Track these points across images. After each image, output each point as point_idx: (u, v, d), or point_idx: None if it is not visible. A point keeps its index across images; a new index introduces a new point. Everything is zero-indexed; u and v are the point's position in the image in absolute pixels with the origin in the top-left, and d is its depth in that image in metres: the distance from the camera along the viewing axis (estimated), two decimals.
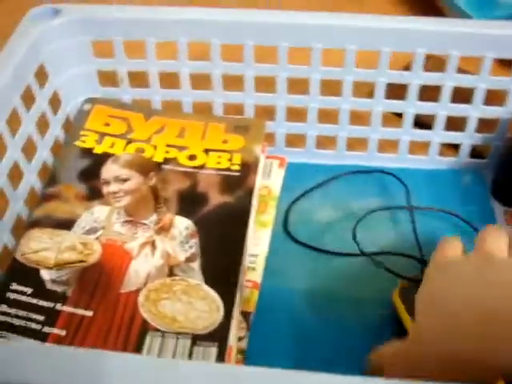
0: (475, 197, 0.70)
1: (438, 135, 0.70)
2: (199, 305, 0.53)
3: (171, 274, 0.56)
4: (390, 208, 0.68)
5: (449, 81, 0.65)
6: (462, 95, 0.67)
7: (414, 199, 0.68)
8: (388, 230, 0.66)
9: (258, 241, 0.63)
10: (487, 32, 0.63)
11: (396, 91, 0.68)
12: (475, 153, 0.72)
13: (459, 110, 0.68)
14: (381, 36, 0.64)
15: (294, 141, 0.73)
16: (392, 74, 0.66)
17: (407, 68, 0.67)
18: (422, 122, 0.72)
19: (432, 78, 0.66)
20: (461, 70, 0.66)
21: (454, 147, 0.72)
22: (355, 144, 0.72)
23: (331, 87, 0.68)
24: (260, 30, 0.65)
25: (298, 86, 0.68)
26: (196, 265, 0.57)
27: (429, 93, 0.67)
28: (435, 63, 0.68)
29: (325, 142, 0.73)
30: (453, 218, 0.66)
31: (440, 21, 0.65)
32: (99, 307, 0.54)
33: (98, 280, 0.56)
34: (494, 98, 0.67)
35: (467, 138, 0.70)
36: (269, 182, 0.68)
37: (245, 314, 0.57)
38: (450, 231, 0.65)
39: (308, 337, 0.58)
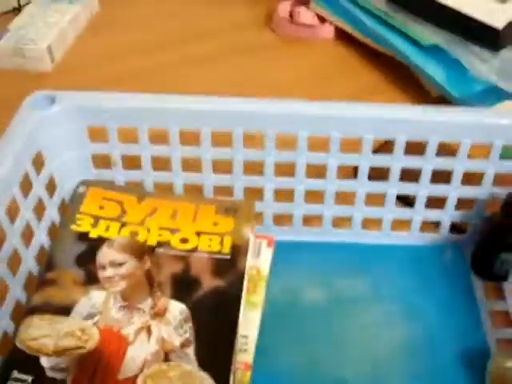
0: (456, 272, 0.73)
1: (419, 213, 0.73)
2: None
3: (167, 359, 0.58)
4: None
5: (428, 164, 0.69)
6: (442, 174, 0.71)
7: (397, 275, 0.72)
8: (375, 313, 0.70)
9: (249, 322, 0.65)
10: (462, 120, 0.67)
11: (379, 171, 0.72)
12: (456, 228, 0.76)
13: (439, 190, 0.71)
14: (363, 124, 0.67)
15: (282, 219, 0.76)
16: (374, 159, 0.70)
17: (385, 145, 0.71)
18: (404, 197, 0.76)
19: (412, 163, 0.69)
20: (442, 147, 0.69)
21: (435, 223, 0.76)
22: (340, 221, 0.76)
23: (316, 170, 0.71)
24: (249, 118, 0.68)
25: (285, 168, 0.72)
26: (190, 350, 0.59)
27: (409, 172, 0.71)
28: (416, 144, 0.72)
29: (311, 220, 0.76)
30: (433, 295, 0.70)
31: (419, 109, 0.69)
32: None
33: (97, 366, 0.58)
34: (471, 177, 0.71)
35: (447, 216, 0.73)
36: (258, 261, 0.71)
37: None
38: (431, 308, 0.69)
39: None
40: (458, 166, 0.69)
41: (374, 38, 1.05)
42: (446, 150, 0.70)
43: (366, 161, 0.69)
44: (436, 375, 0.63)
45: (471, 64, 0.93)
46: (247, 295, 0.67)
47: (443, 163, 0.69)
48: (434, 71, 0.94)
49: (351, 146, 0.69)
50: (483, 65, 0.93)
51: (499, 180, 0.71)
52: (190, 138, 0.71)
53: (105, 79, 1.00)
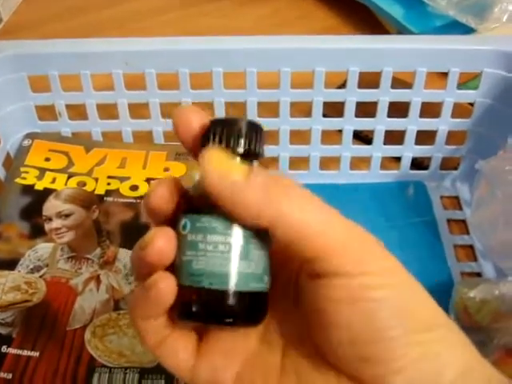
0: (419, 208, 0.71)
1: (378, 150, 0.71)
2: None
3: (117, 307, 0.56)
4: None
5: (384, 96, 0.66)
6: (400, 107, 0.68)
7: (359, 214, 0.69)
8: None
9: None
10: (416, 47, 0.64)
11: (336, 107, 0.69)
12: (418, 164, 0.73)
13: (396, 124, 0.69)
14: (314, 57, 0.64)
15: None
16: (328, 93, 0.67)
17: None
18: (364, 136, 0.74)
19: (367, 95, 0.67)
20: (398, 81, 0.67)
21: (396, 159, 0.73)
22: (298, 162, 0.73)
23: (269, 108, 0.69)
24: (194, 56, 0.65)
25: (235, 107, 0.69)
26: None
27: (368, 107, 0.68)
28: (371, 77, 0.69)
29: (267, 162, 0.73)
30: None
31: (369, 38, 0.67)
32: (46, 347, 0.53)
33: (44, 319, 0.55)
34: (431, 109, 0.68)
35: (407, 151, 0.71)
36: None
37: None
38: (396, 245, 0.66)
39: None
40: (415, 96, 0.66)
41: None
42: (401, 84, 0.68)
43: (320, 96, 0.67)
44: None
45: None
46: None
47: (400, 95, 0.67)
48: (391, 8, 0.91)
49: (304, 84, 0.67)
50: (443, 0, 0.90)
51: (459, 111, 0.69)
52: (135, 83, 0.68)
53: (56, 38, 0.97)
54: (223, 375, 0.35)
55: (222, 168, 0.31)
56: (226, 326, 0.34)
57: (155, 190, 0.33)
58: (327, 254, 0.31)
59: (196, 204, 0.33)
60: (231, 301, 0.32)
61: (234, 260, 0.32)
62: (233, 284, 0.32)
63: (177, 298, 0.32)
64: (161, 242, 0.32)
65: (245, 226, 0.32)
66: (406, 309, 0.31)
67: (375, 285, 0.31)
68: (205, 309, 0.32)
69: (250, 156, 0.33)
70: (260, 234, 0.33)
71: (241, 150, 0.33)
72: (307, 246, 0.31)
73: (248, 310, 0.33)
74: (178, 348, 0.35)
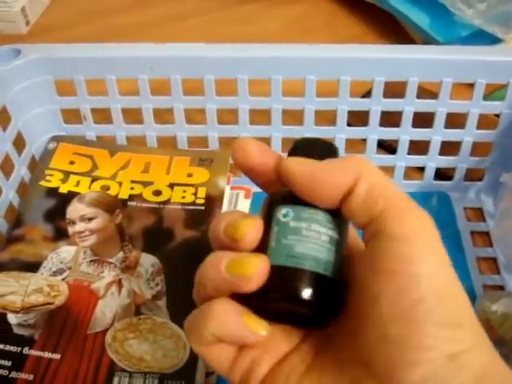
0: (442, 219, 0.70)
1: (402, 159, 0.71)
2: (166, 343, 0.54)
3: (138, 312, 0.56)
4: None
5: (409, 106, 0.66)
6: (425, 117, 0.68)
7: None
8: None
9: None
10: (442, 58, 0.64)
11: (360, 116, 0.69)
12: (441, 174, 0.73)
13: (421, 134, 0.69)
14: (339, 65, 0.64)
15: None
16: (352, 102, 0.67)
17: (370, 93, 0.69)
18: (388, 145, 0.73)
19: (392, 105, 0.66)
20: (423, 90, 0.67)
21: (420, 169, 0.73)
22: None
23: (294, 116, 0.69)
24: (219, 63, 0.65)
25: (260, 115, 0.69)
26: (162, 302, 0.57)
27: (392, 116, 0.68)
28: (396, 87, 0.69)
29: None
30: None
31: (395, 48, 0.66)
32: (67, 350, 0.54)
33: (66, 322, 0.56)
34: (456, 120, 0.68)
35: (431, 162, 0.71)
36: None
37: None
38: None
39: None
40: (440, 107, 0.66)
41: None
42: (427, 94, 0.68)
43: (344, 104, 0.67)
44: None
45: (457, 8, 0.90)
46: None
47: (425, 105, 0.67)
48: (418, 17, 0.91)
49: (329, 92, 0.67)
50: (469, 9, 0.89)
51: (485, 122, 0.68)
52: (160, 88, 0.68)
53: (82, 40, 0.97)
54: (259, 367, 0.36)
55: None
56: (305, 311, 0.35)
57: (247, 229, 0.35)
58: (393, 215, 0.34)
59: (298, 198, 0.36)
60: (324, 285, 0.34)
61: (331, 251, 0.35)
62: (329, 271, 0.35)
63: (269, 279, 0.34)
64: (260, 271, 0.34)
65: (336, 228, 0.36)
66: (441, 297, 0.32)
67: (419, 259, 0.32)
68: (299, 287, 0.34)
69: None
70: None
71: None
72: (380, 203, 0.34)
73: (332, 299, 0.35)
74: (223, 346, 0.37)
